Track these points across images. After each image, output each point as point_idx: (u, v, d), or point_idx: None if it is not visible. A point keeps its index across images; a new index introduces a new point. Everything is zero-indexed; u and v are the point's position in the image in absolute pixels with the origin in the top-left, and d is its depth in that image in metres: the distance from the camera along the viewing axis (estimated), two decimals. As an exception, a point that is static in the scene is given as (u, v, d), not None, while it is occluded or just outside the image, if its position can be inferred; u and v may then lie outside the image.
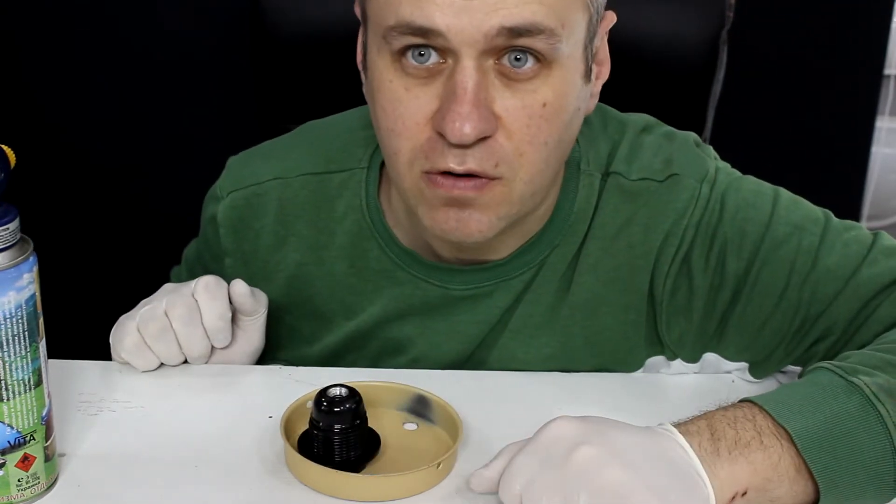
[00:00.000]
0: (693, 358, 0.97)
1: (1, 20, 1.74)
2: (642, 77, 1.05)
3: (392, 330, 0.99)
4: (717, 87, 1.28)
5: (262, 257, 1.02)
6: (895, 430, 0.75)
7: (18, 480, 0.77)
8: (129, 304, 0.96)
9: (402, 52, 0.83)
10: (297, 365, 1.01)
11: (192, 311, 0.92)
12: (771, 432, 0.75)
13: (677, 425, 0.76)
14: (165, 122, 1.76)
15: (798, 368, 0.95)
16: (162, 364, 0.94)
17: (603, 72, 0.92)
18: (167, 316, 0.92)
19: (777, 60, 1.78)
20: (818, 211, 0.94)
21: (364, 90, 0.92)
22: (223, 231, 1.03)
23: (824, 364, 0.80)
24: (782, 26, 1.77)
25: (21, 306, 0.73)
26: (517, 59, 0.82)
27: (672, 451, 0.74)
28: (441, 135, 0.82)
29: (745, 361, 0.96)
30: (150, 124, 1.77)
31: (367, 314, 1.00)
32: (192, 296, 0.92)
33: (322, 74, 1.16)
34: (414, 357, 1.00)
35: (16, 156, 0.74)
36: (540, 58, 0.82)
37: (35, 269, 0.74)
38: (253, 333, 0.98)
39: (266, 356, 1.03)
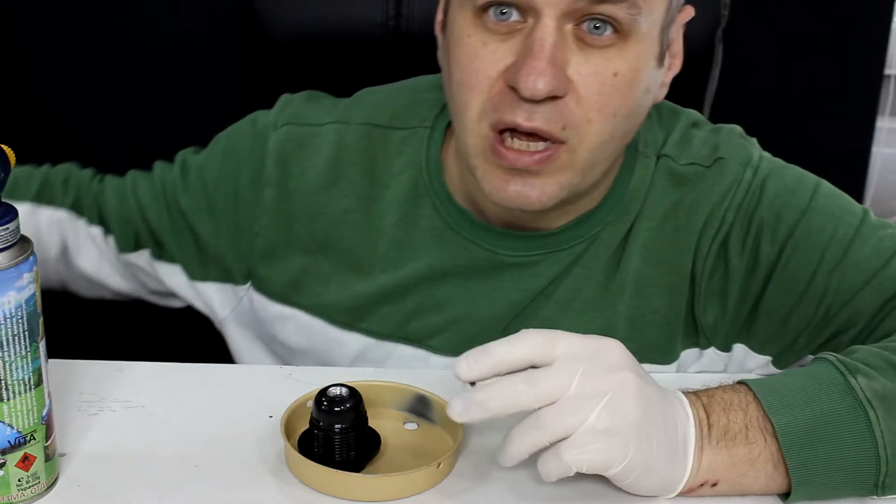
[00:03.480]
0: (725, 346, 0.98)
1: (0, 20, 1.74)
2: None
3: (433, 288, 1.00)
4: (713, 86, 1.28)
5: (304, 197, 1.02)
6: (882, 437, 0.75)
7: (18, 480, 0.77)
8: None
9: (485, 8, 0.85)
10: (316, 312, 1.02)
11: None
12: (758, 426, 0.76)
13: (686, 393, 0.78)
14: (163, 122, 1.76)
15: None
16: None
17: (675, 64, 0.95)
18: None
19: (775, 60, 1.78)
20: (857, 206, 0.96)
21: (439, 55, 0.94)
22: (271, 160, 1.02)
23: (828, 356, 0.80)
24: (779, 25, 1.77)
25: (21, 306, 0.73)
26: (596, 27, 0.84)
27: (679, 422, 0.75)
28: (513, 89, 0.84)
29: (770, 355, 0.98)
30: (147, 124, 1.77)
31: (410, 269, 1.00)
32: None
33: (316, 75, 1.16)
34: (450, 318, 1.00)
35: (16, 156, 0.74)
36: (618, 28, 0.84)
37: (35, 268, 0.74)
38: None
39: (284, 296, 1.03)
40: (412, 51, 1.24)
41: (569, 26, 0.84)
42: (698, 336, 0.99)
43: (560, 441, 0.71)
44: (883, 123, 2.19)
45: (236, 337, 1.11)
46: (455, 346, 0.99)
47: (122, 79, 1.78)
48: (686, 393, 0.78)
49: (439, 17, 0.95)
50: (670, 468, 0.74)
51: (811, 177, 0.98)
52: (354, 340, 1.02)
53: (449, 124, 0.99)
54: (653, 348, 0.99)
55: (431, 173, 1.00)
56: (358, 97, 1.07)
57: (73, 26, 1.75)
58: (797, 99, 1.81)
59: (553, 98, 0.84)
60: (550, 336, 0.72)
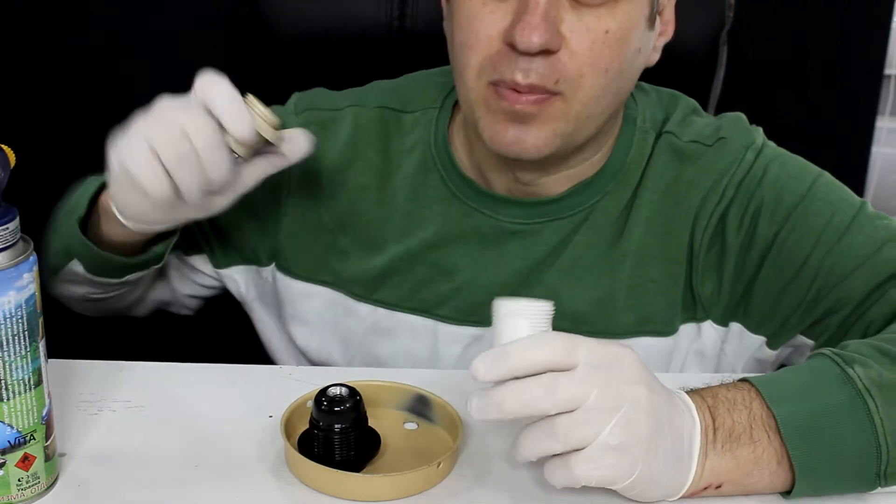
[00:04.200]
0: (722, 321, 1.01)
1: (0, 20, 1.74)
2: (642, 76, 1.06)
3: (440, 255, 1.03)
4: (718, 87, 1.29)
5: (325, 175, 1.06)
6: (882, 424, 0.76)
7: (18, 480, 0.77)
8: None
9: None
10: (336, 287, 1.05)
11: (216, 133, 0.84)
12: (761, 422, 0.77)
13: (691, 395, 0.78)
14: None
15: (809, 342, 0.98)
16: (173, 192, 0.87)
17: (668, 30, 0.99)
18: (189, 138, 0.83)
19: (777, 60, 1.78)
20: (856, 198, 0.99)
21: (444, 25, 0.99)
22: None
23: (825, 351, 0.81)
24: (782, 26, 1.77)
25: (21, 306, 0.73)
26: None
27: (686, 430, 0.75)
28: (511, 47, 0.89)
29: (764, 335, 1.00)
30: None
31: (418, 238, 1.04)
32: (210, 112, 0.84)
33: (321, 74, 1.17)
34: (458, 285, 1.03)
35: (16, 156, 0.74)
36: None
37: (35, 268, 0.74)
38: (249, 178, 0.91)
39: (307, 274, 1.07)
40: (416, 50, 1.25)
41: None
42: (696, 309, 1.01)
43: (571, 451, 0.71)
44: (883, 123, 2.19)
45: (263, 317, 1.15)
46: (462, 315, 1.03)
47: (123, 78, 1.78)
48: (691, 394, 0.78)
49: None
50: (674, 477, 0.75)
51: (814, 167, 1.01)
52: (368, 312, 1.06)
53: (456, 103, 1.04)
54: (653, 318, 1.01)
55: (439, 148, 1.05)
56: (370, 86, 1.12)
57: (73, 26, 1.75)
58: (798, 98, 1.81)
59: (547, 53, 0.89)
60: (571, 342, 0.71)
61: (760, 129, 1.03)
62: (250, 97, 0.86)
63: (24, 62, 1.77)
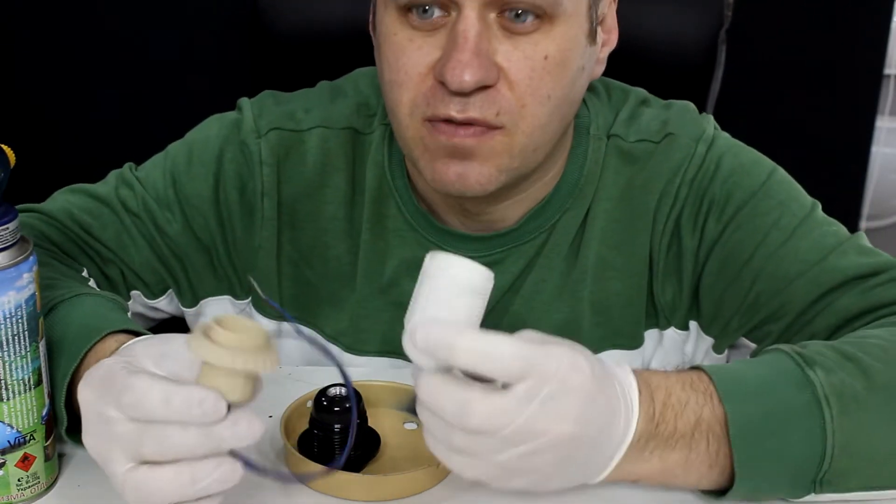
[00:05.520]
0: (683, 325, 0.98)
1: (1, 20, 1.74)
2: (641, 76, 1.05)
3: (401, 293, 0.99)
4: (716, 87, 1.28)
5: (293, 204, 1.00)
6: (833, 435, 0.73)
7: (18, 480, 0.77)
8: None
9: (407, 7, 0.85)
10: (310, 324, 1.01)
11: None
12: (706, 427, 0.73)
13: (643, 391, 0.73)
14: (165, 122, 1.76)
15: (752, 345, 0.95)
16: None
17: (611, 39, 0.94)
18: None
19: (776, 60, 1.78)
20: (808, 199, 0.95)
21: (375, 54, 0.92)
22: (267, 170, 0.99)
23: (784, 348, 0.78)
24: (782, 26, 1.77)
25: (21, 306, 0.73)
26: (517, 15, 0.84)
27: (613, 444, 0.71)
28: (442, 83, 0.83)
29: (712, 337, 0.97)
30: (149, 123, 1.77)
31: (379, 274, 1.00)
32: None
33: (320, 73, 1.17)
34: None
35: (16, 156, 0.74)
36: (541, 13, 0.84)
37: (35, 268, 0.74)
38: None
39: (278, 313, 1.02)
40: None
41: (492, 15, 0.84)
42: (658, 316, 0.98)
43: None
44: (883, 123, 2.20)
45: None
46: None
47: (123, 78, 1.78)
48: (644, 390, 0.73)
49: (370, 17, 0.94)
50: (578, 480, 0.72)
51: (768, 161, 0.97)
52: (338, 352, 1.02)
53: None
54: (619, 333, 0.98)
55: (394, 171, 0.99)
56: (326, 92, 1.04)
57: (73, 26, 1.75)
58: (798, 98, 1.81)
59: (484, 88, 0.84)
60: (526, 365, 0.66)
61: (711, 118, 0.99)
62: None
63: (24, 62, 1.77)
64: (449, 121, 0.85)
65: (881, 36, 1.82)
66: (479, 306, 0.73)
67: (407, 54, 0.85)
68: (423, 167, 0.89)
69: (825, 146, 1.85)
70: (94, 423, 0.69)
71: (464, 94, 0.83)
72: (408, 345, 0.68)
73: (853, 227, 1.12)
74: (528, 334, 0.69)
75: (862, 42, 1.80)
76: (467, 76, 0.82)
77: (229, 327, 0.65)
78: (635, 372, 0.74)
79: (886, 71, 1.89)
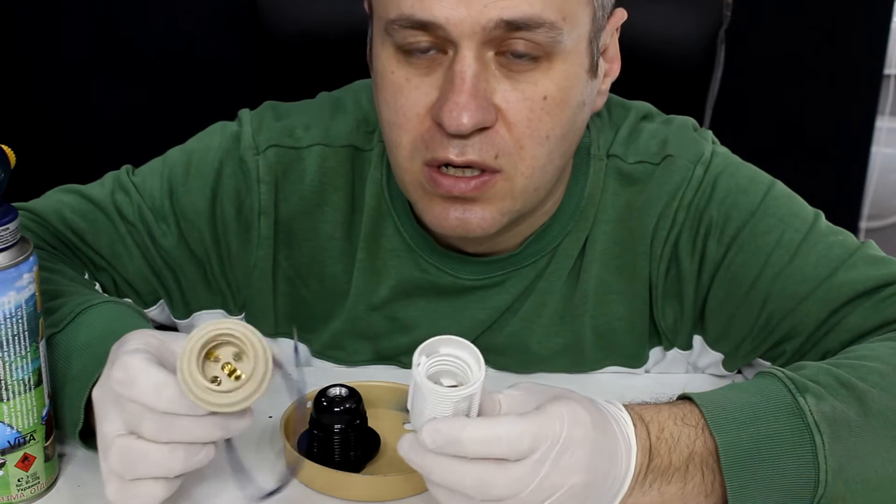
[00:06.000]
0: (686, 345, 0.98)
1: (1, 20, 1.74)
2: (640, 76, 1.05)
3: (398, 310, 0.98)
4: (715, 87, 1.28)
5: (290, 222, 0.99)
6: (825, 461, 0.73)
7: (18, 480, 0.77)
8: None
9: (404, 48, 0.83)
10: (313, 345, 1.00)
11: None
12: (700, 460, 0.74)
13: (638, 427, 0.74)
14: (164, 122, 1.76)
15: (767, 364, 0.94)
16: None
17: (613, 69, 0.92)
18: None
19: (776, 60, 1.78)
20: (809, 210, 0.94)
21: (373, 85, 0.91)
22: (265, 188, 0.97)
23: (776, 371, 0.78)
24: (781, 26, 1.77)
25: (21, 306, 0.73)
26: (516, 54, 0.82)
27: (616, 482, 0.72)
28: (441, 125, 0.82)
29: (721, 353, 0.96)
30: (149, 123, 1.77)
31: (376, 293, 0.98)
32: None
33: (320, 74, 1.17)
34: (417, 339, 0.96)
35: (16, 156, 0.74)
36: (539, 52, 0.82)
37: (35, 269, 0.74)
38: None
39: (272, 330, 1.01)
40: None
41: (490, 54, 0.82)
42: (660, 337, 0.98)
43: None
44: (883, 123, 2.19)
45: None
46: None
47: (123, 78, 1.78)
48: (639, 425, 0.74)
49: (368, 50, 0.92)
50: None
51: (765, 177, 0.95)
52: (330, 366, 1.02)
53: None
54: (622, 355, 0.98)
55: (392, 191, 0.97)
56: (326, 106, 1.01)
57: (73, 26, 1.75)
58: (798, 99, 1.81)
59: (482, 129, 0.82)
60: (532, 439, 0.67)
61: (710, 134, 0.98)
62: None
63: (24, 62, 1.77)
64: (448, 165, 0.84)
65: (881, 36, 1.82)
66: (476, 389, 0.71)
67: (405, 95, 0.84)
68: (423, 210, 0.88)
69: (825, 146, 1.85)
70: (108, 378, 0.71)
71: (462, 136, 0.82)
72: (416, 451, 0.69)
73: (853, 227, 1.12)
74: (525, 398, 0.71)
75: (862, 42, 1.81)
76: (465, 119, 0.80)
77: (228, 361, 0.70)
78: (627, 407, 0.75)
79: (886, 71, 1.89)
